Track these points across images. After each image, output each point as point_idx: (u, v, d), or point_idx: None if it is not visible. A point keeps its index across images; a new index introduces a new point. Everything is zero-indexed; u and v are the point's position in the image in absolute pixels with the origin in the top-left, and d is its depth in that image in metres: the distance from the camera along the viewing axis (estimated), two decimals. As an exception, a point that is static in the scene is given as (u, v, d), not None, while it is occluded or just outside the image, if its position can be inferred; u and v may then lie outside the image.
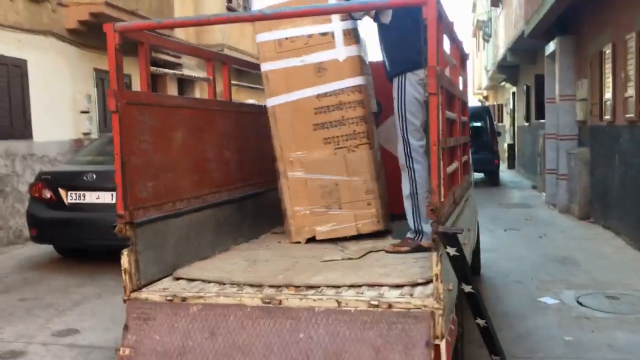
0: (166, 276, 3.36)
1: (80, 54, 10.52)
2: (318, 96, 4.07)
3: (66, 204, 6.90)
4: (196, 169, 3.78)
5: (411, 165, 3.85)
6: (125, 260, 3.06)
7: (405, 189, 3.92)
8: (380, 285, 2.94)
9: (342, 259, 3.60)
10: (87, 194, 6.89)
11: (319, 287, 2.98)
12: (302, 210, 4.18)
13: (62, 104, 10.06)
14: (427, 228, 3.73)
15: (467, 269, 2.77)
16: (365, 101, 4.13)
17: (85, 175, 6.91)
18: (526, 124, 16.76)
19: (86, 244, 7.13)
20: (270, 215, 4.85)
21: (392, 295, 2.80)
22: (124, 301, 3.06)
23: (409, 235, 3.87)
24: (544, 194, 12.22)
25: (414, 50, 3.68)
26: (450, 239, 2.59)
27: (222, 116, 4.13)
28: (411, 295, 2.79)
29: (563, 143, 10.59)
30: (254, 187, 4.61)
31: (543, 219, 9.82)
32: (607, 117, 8.23)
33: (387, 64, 3.99)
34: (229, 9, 15.75)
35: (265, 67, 4.15)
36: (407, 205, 3.90)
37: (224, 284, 3.15)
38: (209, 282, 3.20)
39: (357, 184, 4.11)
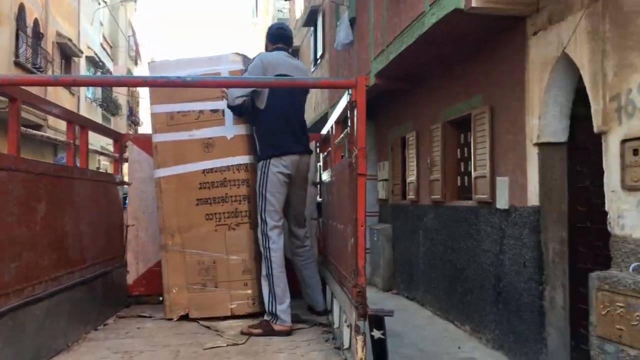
0: (23, 378, 2.78)
1: None
2: (204, 171, 4.08)
3: None
4: (55, 245, 3.26)
5: (267, 245, 3.85)
6: (-19, 362, 2.46)
7: (263, 268, 3.88)
8: (293, 373, 2.78)
9: (227, 345, 3.34)
10: None
11: (225, 379, 2.72)
12: (179, 286, 4.02)
13: None
14: (280, 310, 3.72)
15: (387, 352, 2.75)
16: (251, 180, 4.12)
17: None
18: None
19: None
20: (116, 296, 4.38)
21: (309, 383, 2.66)
22: (-23, 414, 2.44)
23: (265, 317, 3.78)
24: (344, 267, 12.86)
25: (285, 137, 3.92)
26: (379, 321, 2.56)
27: (80, 185, 3.66)
28: (329, 382, 2.68)
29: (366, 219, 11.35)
30: (103, 265, 4.11)
31: (351, 292, 10.27)
32: (412, 196, 9.07)
33: (257, 147, 4.04)
34: (16, 64, 14.37)
35: (156, 138, 4.12)
36: (264, 285, 3.85)
37: (108, 383, 2.70)
38: (86, 382, 2.72)
39: (235, 263, 4.01)
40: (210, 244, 4.03)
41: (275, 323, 3.69)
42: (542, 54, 5.02)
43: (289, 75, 3.98)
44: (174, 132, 4.07)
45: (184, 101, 4.06)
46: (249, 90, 3.88)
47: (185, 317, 4.04)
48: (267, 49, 4.25)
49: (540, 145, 5.11)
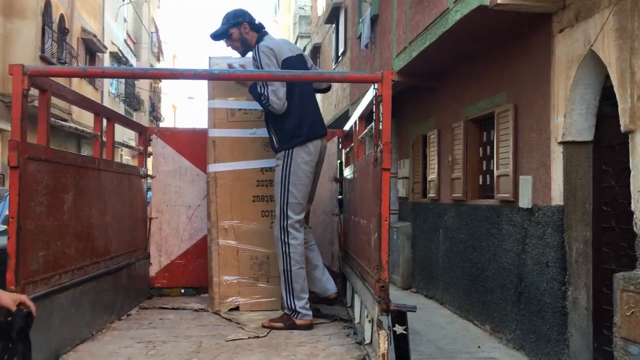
0: (49, 364, 2.83)
1: None
2: (262, 169, 4.15)
3: None
4: (81, 236, 3.31)
5: (287, 240, 3.76)
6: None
7: (280, 264, 3.82)
8: (314, 367, 2.79)
9: (249, 338, 3.36)
10: None
11: (247, 371, 2.74)
12: (230, 279, 4.11)
13: None
14: (299, 306, 3.69)
15: (409, 348, 2.75)
16: None
17: None
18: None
19: None
20: (139, 288, 4.43)
21: (331, 377, 2.67)
22: (6, 400, 2.48)
23: (286, 311, 3.77)
24: (362, 264, 12.84)
25: (304, 124, 3.80)
26: (401, 317, 2.55)
27: (105, 177, 3.71)
28: (351, 376, 2.68)
29: (385, 217, 11.33)
30: (127, 256, 4.16)
31: (370, 289, 10.26)
32: (432, 195, 9.03)
33: (274, 139, 3.87)
34: (42, 58, 14.58)
35: (214, 133, 4.18)
36: (281, 281, 3.81)
37: (132, 371, 2.74)
38: (110, 370, 2.76)
39: None
40: (265, 240, 4.09)
41: (297, 318, 3.68)
42: (569, 52, 4.96)
43: (294, 57, 3.87)
44: (234, 129, 4.12)
45: (248, 99, 4.07)
46: (282, 85, 3.69)
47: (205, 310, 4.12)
48: (252, 39, 3.96)
49: (565, 143, 5.05)
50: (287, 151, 3.78)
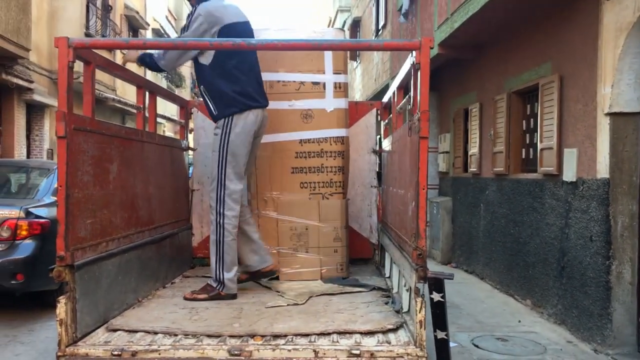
0: (98, 327, 2.95)
1: None
2: (301, 141, 4.19)
3: None
4: (126, 205, 3.42)
5: (222, 211, 3.68)
6: (62, 309, 2.63)
7: (212, 234, 3.74)
8: (352, 333, 2.83)
9: (288, 305, 3.43)
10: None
11: (286, 335, 2.79)
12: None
13: None
14: (227, 278, 3.64)
15: (446, 315, 2.76)
16: (346, 152, 4.24)
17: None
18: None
19: None
20: (182, 257, 4.55)
21: (369, 343, 2.71)
22: (57, 358, 2.61)
23: (211, 282, 3.72)
24: (402, 239, 12.82)
25: (243, 92, 3.66)
26: (438, 284, 2.56)
27: (149, 149, 3.80)
28: (389, 342, 2.71)
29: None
30: (171, 227, 4.27)
31: (410, 264, 10.25)
32: (473, 169, 8.91)
33: (212, 107, 3.73)
34: (87, 35, 14.86)
35: None
36: (212, 251, 3.73)
37: (176, 335, 2.83)
38: (156, 333, 2.86)
39: (327, 231, 4.17)
40: (303, 212, 4.15)
41: (222, 291, 3.64)
42: (617, 19, 4.79)
43: (240, 24, 3.71)
44: (273, 101, 4.06)
45: (286, 71, 4.15)
46: (194, 54, 3.60)
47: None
48: None
49: (612, 115, 4.91)
50: (226, 119, 3.68)
